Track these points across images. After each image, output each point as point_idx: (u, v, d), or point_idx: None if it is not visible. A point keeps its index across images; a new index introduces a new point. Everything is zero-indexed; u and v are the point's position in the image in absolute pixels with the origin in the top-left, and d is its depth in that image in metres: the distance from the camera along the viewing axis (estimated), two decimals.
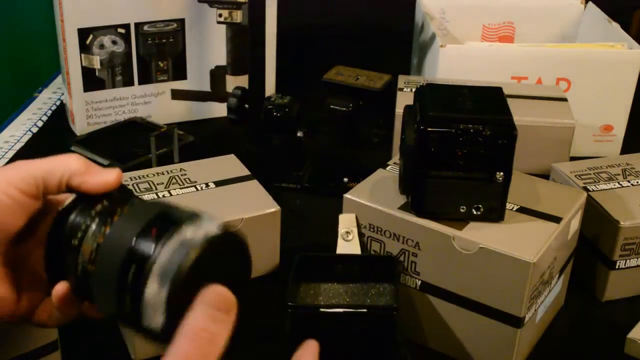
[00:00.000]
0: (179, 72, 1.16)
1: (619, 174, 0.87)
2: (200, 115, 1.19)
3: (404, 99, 0.97)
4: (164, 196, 0.76)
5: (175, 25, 1.12)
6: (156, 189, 0.77)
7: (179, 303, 0.41)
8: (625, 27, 1.16)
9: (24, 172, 0.48)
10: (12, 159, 1.07)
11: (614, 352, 0.75)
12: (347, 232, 0.74)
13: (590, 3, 1.23)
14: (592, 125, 1.08)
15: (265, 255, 0.76)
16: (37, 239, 0.50)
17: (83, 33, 1.07)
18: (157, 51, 1.13)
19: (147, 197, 0.76)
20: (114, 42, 1.10)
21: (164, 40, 1.13)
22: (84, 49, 1.08)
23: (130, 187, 0.77)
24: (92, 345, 0.72)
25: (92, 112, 1.12)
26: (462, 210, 0.70)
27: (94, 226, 0.46)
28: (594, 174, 0.87)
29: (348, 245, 0.74)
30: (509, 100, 0.72)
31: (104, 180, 0.48)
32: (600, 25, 1.17)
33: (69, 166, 0.49)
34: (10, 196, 0.47)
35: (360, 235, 0.74)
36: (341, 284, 0.71)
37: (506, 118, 0.68)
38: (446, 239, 0.69)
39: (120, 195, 0.49)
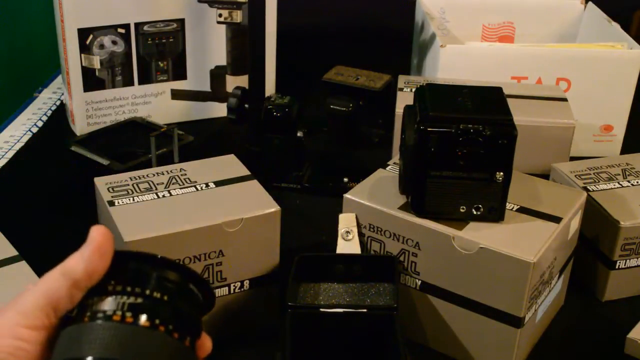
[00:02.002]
0: (179, 72, 1.16)
1: (619, 174, 0.87)
2: (200, 115, 1.19)
3: (404, 99, 0.97)
4: (164, 196, 0.76)
5: (175, 25, 1.12)
6: (156, 189, 0.77)
7: None
8: (625, 27, 1.16)
9: (25, 308, 0.42)
10: (12, 159, 1.07)
11: (614, 352, 0.75)
12: (347, 232, 0.74)
13: (590, 3, 1.23)
14: (592, 125, 1.08)
15: (265, 255, 0.76)
16: None
17: (83, 33, 1.07)
18: (157, 51, 1.13)
19: (147, 197, 0.76)
20: (114, 42, 1.10)
21: (164, 40, 1.13)
22: (84, 49, 1.08)
23: (130, 187, 0.77)
24: None
25: (92, 112, 1.12)
26: (462, 210, 0.70)
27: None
28: (594, 174, 0.87)
29: (348, 245, 0.74)
30: (509, 100, 0.72)
31: (94, 269, 0.43)
32: (600, 25, 1.17)
33: (70, 274, 0.43)
34: (22, 338, 0.41)
35: (360, 235, 0.74)
36: (341, 283, 0.71)
37: (506, 118, 0.68)
38: (446, 239, 0.69)
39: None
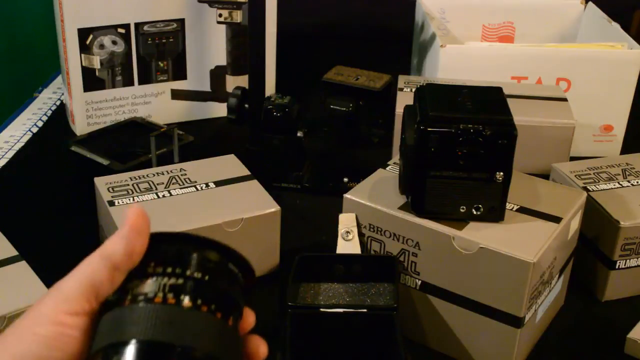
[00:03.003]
0: (179, 72, 1.16)
1: (619, 174, 0.87)
2: (200, 115, 1.19)
3: (404, 99, 0.97)
4: (164, 196, 0.76)
5: (175, 25, 1.12)
6: (156, 189, 0.77)
7: None
8: (625, 27, 1.16)
9: (66, 293, 0.41)
10: (12, 159, 1.07)
11: (614, 352, 0.75)
12: (347, 232, 0.74)
13: (590, 3, 1.23)
14: (592, 125, 1.08)
15: (265, 255, 0.76)
16: None
17: (83, 33, 1.07)
18: (157, 51, 1.13)
19: (147, 197, 0.76)
20: (114, 42, 1.10)
21: (164, 40, 1.13)
22: (84, 49, 1.08)
23: (130, 187, 0.77)
24: None
25: (92, 112, 1.12)
26: (462, 210, 0.70)
27: None
28: (594, 174, 0.86)
29: (348, 245, 0.74)
30: (509, 100, 0.72)
31: (132, 250, 0.43)
32: (600, 25, 1.17)
33: (110, 257, 0.42)
34: (64, 324, 0.41)
35: (360, 235, 0.74)
36: (341, 283, 0.71)
37: (506, 118, 0.68)
38: (446, 239, 0.69)
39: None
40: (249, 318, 0.46)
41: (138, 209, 0.44)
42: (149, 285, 0.41)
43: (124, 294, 0.42)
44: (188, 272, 0.42)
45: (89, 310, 0.42)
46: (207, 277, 0.42)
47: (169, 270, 0.42)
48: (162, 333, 0.39)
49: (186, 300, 0.41)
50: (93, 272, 0.42)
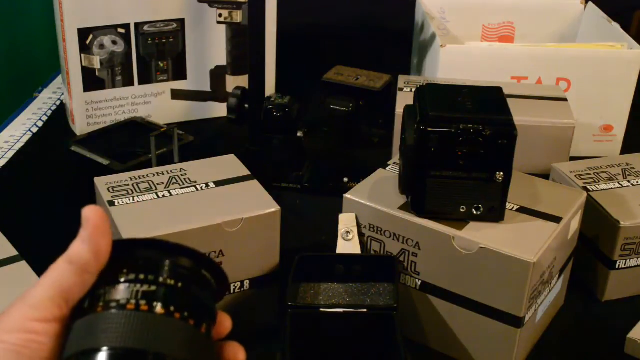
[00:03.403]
0: (179, 72, 1.16)
1: (619, 174, 0.87)
2: (200, 115, 1.19)
3: (404, 99, 0.97)
4: (164, 196, 0.76)
5: (175, 25, 1.12)
6: (156, 189, 0.77)
7: None
8: (625, 27, 1.16)
9: (35, 301, 0.41)
10: (12, 159, 1.06)
11: (614, 352, 0.75)
12: (347, 232, 0.74)
13: (590, 3, 1.23)
14: (592, 125, 1.08)
15: (265, 255, 0.75)
16: None
17: (83, 33, 1.07)
18: (157, 51, 1.13)
19: (147, 197, 0.76)
20: (114, 42, 1.10)
21: (164, 40, 1.13)
22: (84, 49, 1.08)
23: (130, 187, 0.77)
24: None
25: (92, 112, 1.12)
26: (462, 210, 0.70)
27: None
28: (594, 174, 0.86)
29: (348, 245, 0.74)
30: (509, 100, 0.72)
31: (97, 252, 0.42)
32: (600, 25, 1.17)
33: (77, 260, 0.42)
34: (32, 331, 0.40)
35: (360, 235, 0.74)
36: (341, 283, 0.71)
37: (506, 118, 0.68)
38: (446, 239, 0.69)
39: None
40: (226, 323, 0.45)
41: (96, 208, 0.43)
42: (122, 292, 0.41)
43: (95, 300, 0.41)
44: (161, 279, 0.42)
45: (60, 316, 0.41)
46: (180, 284, 0.42)
47: (142, 276, 0.42)
48: (134, 340, 0.39)
49: (159, 307, 0.40)
50: (61, 278, 0.41)
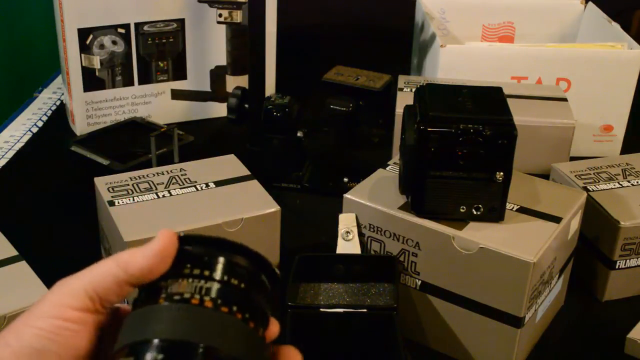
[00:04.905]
0: (179, 72, 1.16)
1: (619, 174, 0.87)
2: (200, 115, 1.19)
3: (404, 99, 0.97)
4: (164, 196, 0.76)
5: (175, 25, 1.12)
6: (156, 189, 0.77)
7: None
8: (625, 27, 1.16)
9: (70, 289, 0.41)
10: (12, 159, 1.07)
11: (614, 352, 0.75)
12: (347, 232, 0.74)
13: (590, 3, 1.23)
14: (592, 125, 1.08)
15: (265, 255, 0.75)
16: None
17: (83, 33, 1.07)
18: (157, 51, 1.13)
19: (147, 197, 0.76)
20: (114, 42, 1.10)
21: (164, 40, 1.13)
22: (84, 49, 1.08)
23: (130, 187, 0.77)
24: None
25: (92, 112, 1.12)
26: (462, 210, 0.70)
27: None
28: (594, 174, 0.87)
29: (348, 245, 0.74)
30: (509, 100, 0.72)
31: (149, 267, 0.42)
32: (600, 25, 1.17)
33: (125, 270, 0.42)
34: (66, 318, 0.41)
35: (360, 235, 0.74)
36: (341, 284, 0.71)
37: (506, 118, 0.68)
38: (446, 239, 0.69)
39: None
40: (274, 327, 0.45)
41: (170, 233, 0.43)
42: (185, 286, 0.41)
43: (157, 292, 0.41)
44: (225, 278, 0.42)
45: (92, 309, 0.41)
46: (243, 285, 0.42)
47: (207, 273, 0.41)
48: (193, 334, 0.39)
49: (222, 305, 0.40)
50: (104, 277, 0.42)
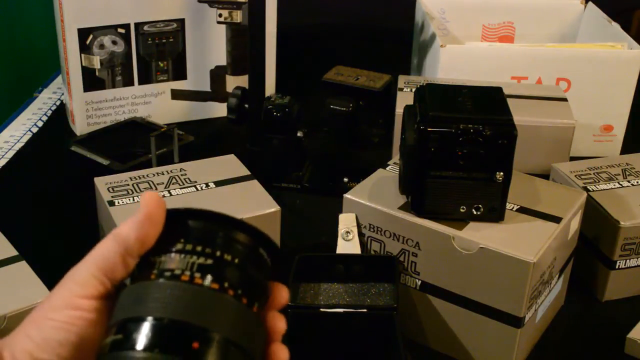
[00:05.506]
0: (179, 72, 1.16)
1: (619, 174, 0.87)
2: (200, 115, 1.19)
3: (404, 99, 0.97)
4: (164, 196, 0.76)
5: (175, 25, 1.12)
6: (156, 189, 0.77)
7: None
8: (625, 27, 1.16)
9: (80, 278, 0.42)
10: (12, 159, 1.07)
11: (614, 352, 0.75)
12: (347, 232, 0.74)
13: (590, 3, 1.23)
14: (592, 125, 1.08)
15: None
16: None
17: (83, 33, 1.07)
18: (157, 51, 1.13)
19: None
20: (114, 42, 1.10)
21: (164, 40, 1.13)
22: (84, 49, 1.08)
23: (130, 187, 0.77)
24: None
25: (92, 112, 1.12)
26: (462, 210, 0.70)
27: None
28: (594, 174, 0.87)
29: (348, 245, 0.74)
30: (509, 100, 0.72)
31: (146, 234, 0.42)
32: (600, 25, 1.17)
33: (123, 241, 0.42)
34: (80, 308, 0.41)
35: (360, 235, 0.74)
36: (341, 283, 0.71)
37: (506, 118, 0.68)
38: (446, 239, 0.69)
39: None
40: (282, 293, 0.45)
41: (154, 194, 0.43)
42: (177, 262, 0.40)
43: (149, 267, 0.41)
44: (218, 253, 0.41)
45: (104, 292, 0.42)
46: (236, 260, 0.41)
47: (199, 248, 0.41)
48: (181, 313, 0.38)
49: (212, 281, 0.40)
50: (106, 255, 0.42)
